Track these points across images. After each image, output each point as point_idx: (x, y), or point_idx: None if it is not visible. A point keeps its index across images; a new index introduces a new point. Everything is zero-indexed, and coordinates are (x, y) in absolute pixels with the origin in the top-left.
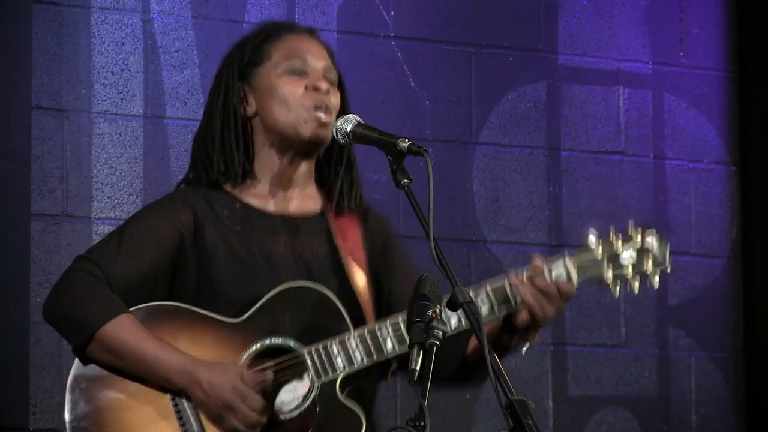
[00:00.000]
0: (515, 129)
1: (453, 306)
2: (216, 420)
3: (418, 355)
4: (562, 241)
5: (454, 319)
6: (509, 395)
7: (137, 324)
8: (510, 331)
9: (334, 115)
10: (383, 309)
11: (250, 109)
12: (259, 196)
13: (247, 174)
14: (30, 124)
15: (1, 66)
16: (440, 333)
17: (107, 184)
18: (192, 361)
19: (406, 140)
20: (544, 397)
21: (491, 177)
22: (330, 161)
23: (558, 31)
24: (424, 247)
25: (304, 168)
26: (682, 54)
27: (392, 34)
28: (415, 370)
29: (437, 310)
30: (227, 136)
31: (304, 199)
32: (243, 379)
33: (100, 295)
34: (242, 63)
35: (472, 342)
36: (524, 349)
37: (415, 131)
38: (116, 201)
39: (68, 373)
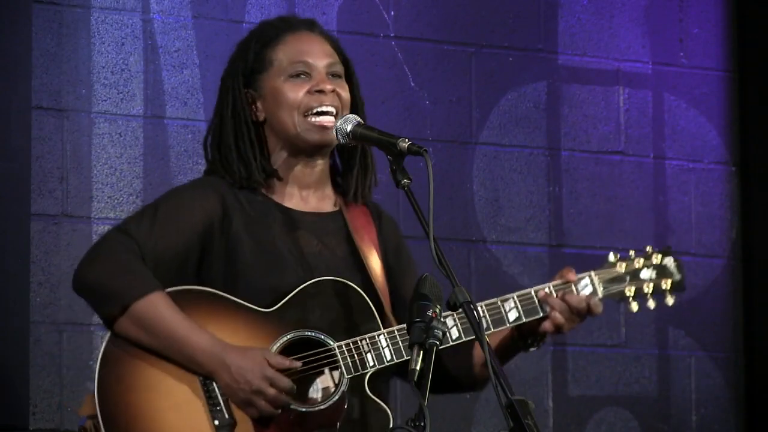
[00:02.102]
0: (515, 129)
1: (453, 306)
2: (244, 404)
3: (418, 355)
4: (562, 241)
5: (455, 332)
6: (509, 395)
7: (171, 303)
8: (524, 335)
9: (345, 109)
10: (394, 312)
11: (260, 115)
12: (280, 194)
13: (269, 174)
14: (30, 124)
15: (1, 66)
16: (440, 333)
17: (107, 184)
18: (222, 345)
19: (406, 140)
20: (544, 397)
21: (491, 177)
22: (344, 152)
23: (558, 31)
24: (424, 247)
25: (319, 168)
26: (682, 54)
27: (392, 34)
28: (415, 370)
29: (437, 310)
30: (242, 146)
31: (321, 199)
32: (271, 364)
33: (136, 269)
34: (246, 70)
35: (477, 346)
36: (533, 350)
37: (415, 131)
38: (116, 201)
39: (68, 373)
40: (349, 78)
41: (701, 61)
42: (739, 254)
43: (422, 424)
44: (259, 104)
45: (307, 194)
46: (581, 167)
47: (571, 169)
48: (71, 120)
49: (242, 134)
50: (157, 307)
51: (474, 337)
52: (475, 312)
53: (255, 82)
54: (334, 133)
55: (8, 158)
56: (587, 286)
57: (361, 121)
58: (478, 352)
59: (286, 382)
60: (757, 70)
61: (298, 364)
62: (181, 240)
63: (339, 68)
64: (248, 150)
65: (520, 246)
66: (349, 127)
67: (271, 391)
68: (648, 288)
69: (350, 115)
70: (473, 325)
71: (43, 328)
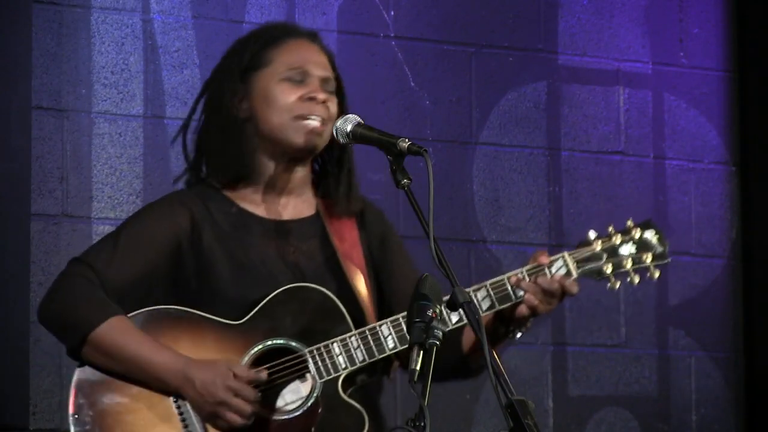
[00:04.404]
0: (515, 129)
1: (453, 306)
2: (211, 418)
3: (418, 355)
4: (562, 241)
5: (455, 317)
6: (509, 395)
7: (130, 326)
8: (504, 321)
9: (331, 123)
10: (385, 311)
11: (243, 113)
12: (254, 202)
13: (240, 179)
14: (30, 124)
15: (1, 66)
16: (440, 333)
17: (107, 184)
18: (184, 361)
19: (406, 140)
20: (544, 397)
21: (491, 177)
22: (328, 164)
23: (558, 31)
24: (424, 247)
25: (299, 173)
26: (682, 54)
27: (392, 34)
28: (415, 370)
29: (437, 310)
30: (223, 141)
31: (299, 203)
32: (235, 375)
33: (93, 298)
34: (241, 66)
35: (467, 333)
36: (518, 335)
37: (415, 131)
38: (116, 201)
39: (68, 373)
40: (340, 96)
41: (701, 61)
42: (739, 254)
43: (422, 424)
44: (245, 101)
45: (286, 201)
46: (581, 167)
47: (571, 169)
48: (71, 120)
49: (227, 129)
50: (116, 332)
51: (461, 324)
52: (476, 314)
53: (247, 79)
54: (334, 132)
55: (8, 158)
56: (561, 267)
57: (361, 121)
58: (467, 338)
59: (250, 392)
60: (757, 70)
61: (264, 375)
62: (144, 263)
63: (332, 84)
64: (227, 146)
65: (520, 246)
66: (349, 127)
67: (236, 401)
68: (628, 263)
69: (350, 115)
70: (473, 325)
71: (43, 328)
